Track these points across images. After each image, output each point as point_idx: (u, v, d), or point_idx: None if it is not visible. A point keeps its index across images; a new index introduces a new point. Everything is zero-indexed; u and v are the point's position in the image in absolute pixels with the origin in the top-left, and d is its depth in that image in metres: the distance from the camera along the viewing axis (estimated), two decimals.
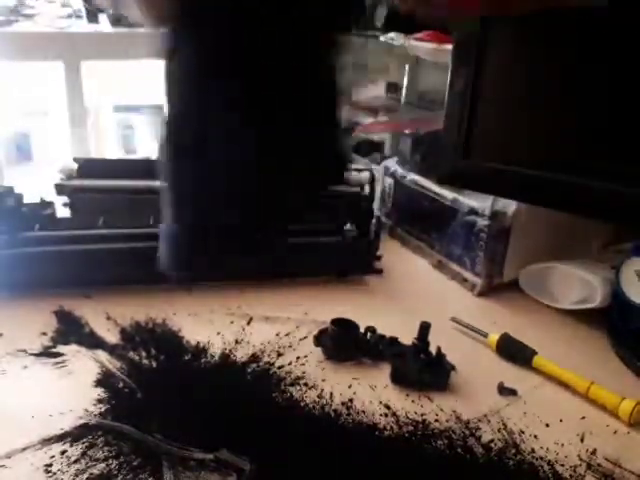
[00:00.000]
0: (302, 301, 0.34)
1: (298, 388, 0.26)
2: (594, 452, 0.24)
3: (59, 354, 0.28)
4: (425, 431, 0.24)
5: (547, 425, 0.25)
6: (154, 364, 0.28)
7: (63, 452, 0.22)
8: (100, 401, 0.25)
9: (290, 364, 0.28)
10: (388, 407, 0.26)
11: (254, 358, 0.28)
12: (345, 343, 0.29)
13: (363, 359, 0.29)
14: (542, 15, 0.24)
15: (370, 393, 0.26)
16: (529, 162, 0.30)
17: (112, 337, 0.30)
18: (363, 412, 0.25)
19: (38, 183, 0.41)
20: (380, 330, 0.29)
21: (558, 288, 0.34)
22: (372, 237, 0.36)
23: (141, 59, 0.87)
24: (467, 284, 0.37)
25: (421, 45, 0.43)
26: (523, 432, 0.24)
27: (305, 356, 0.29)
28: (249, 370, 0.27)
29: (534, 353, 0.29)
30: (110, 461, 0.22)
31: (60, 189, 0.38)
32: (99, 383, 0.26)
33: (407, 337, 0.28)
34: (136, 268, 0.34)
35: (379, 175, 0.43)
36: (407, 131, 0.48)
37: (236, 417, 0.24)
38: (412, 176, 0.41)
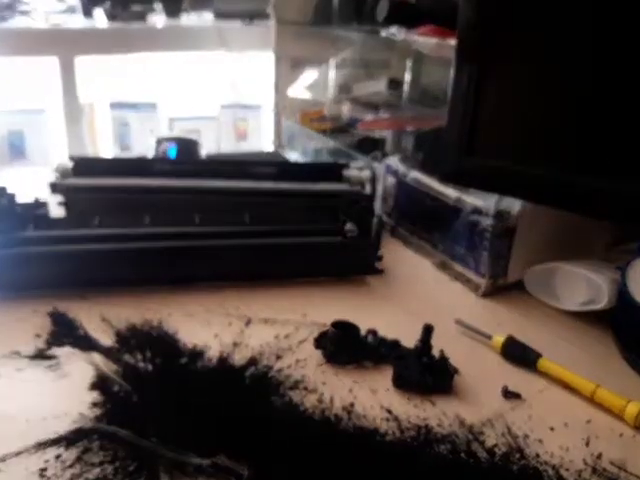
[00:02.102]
0: (302, 302, 0.33)
1: (297, 392, 0.26)
2: (599, 456, 0.23)
3: (53, 356, 0.28)
4: (428, 436, 0.24)
5: (552, 429, 0.25)
6: (150, 367, 0.27)
7: (58, 456, 0.22)
8: (95, 404, 0.24)
9: (289, 367, 0.28)
10: (390, 411, 0.25)
11: (252, 361, 0.28)
12: (346, 346, 0.28)
13: (364, 362, 0.28)
14: (543, 14, 0.23)
15: (371, 397, 0.26)
16: (534, 160, 0.29)
17: (107, 339, 0.29)
18: (364, 417, 0.25)
19: (32, 182, 0.40)
20: (381, 332, 0.29)
21: (563, 289, 0.34)
22: (373, 237, 0.36)
23: (137, 54, 0.86)
24: (471, 285, 0.36)
25: (423, 40, 0.42)
26: (528, 436, 0.24)
27: (305, 359, 0.28)
28: (247, 373, 0.27)
29: (539, 356, 0.28)
30: (105, 466, 0.21)
31: (55, 188, 0.38)
32: (94, 386, 0.26)
33: (409, 339, 0.28)
34: (132, 269, 0.34)
35: (380, 173, 0.43)
36: (409, 128, 0.47)
37: (234, 421, 0.24)
38: (414, 174, 0.40)
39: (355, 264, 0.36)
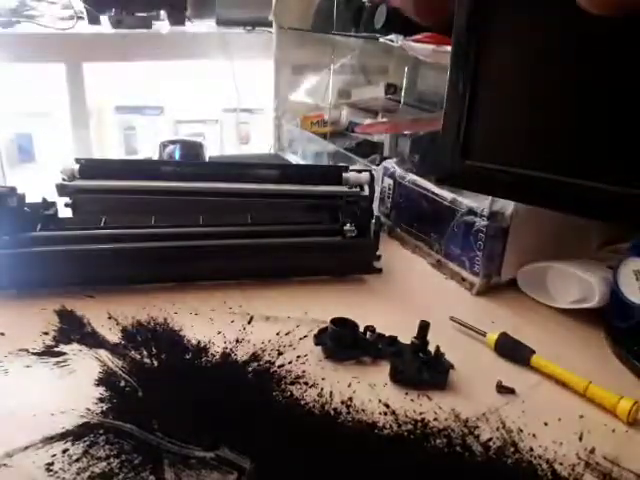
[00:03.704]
0: (302, 300, 0.34)
1: (298, 387, 0.27)
2: (592, 451, 0.24)
3: (61, 353, 0.28)
4: (424, 430, 0.24)
5: (545, 424, 0.25)
6: (155, 363, 0.28)
7: (65, 451, 0.22)
8: (101, 400, 0.25)
9: (290, 363, 0.28)
10: (387, 406, 0.26)
11: (255, 357, 0.29)
12: (345, 342, 0.29)
13: (362, 358, 0.29)
14: (539, 19, 0.23)
15: (369, 392, 0.27)
16: (528, 163, 0.30)
17: (113, 336, 0.30)
18: (363, 411, 0.25)
19: (40, 183, 0.41)
20: (379, 329, 0.29)
21: (556, 287, 0.34)
22: (371, 237, 0.37)
23: (142, 60, 0.87)
24: (466, 283, 0.37)
25: (420, 46, 0.43)
26: (522, 431, 0.25)
27: (305, 355, 0.29)
28: (250, 369, 0.28)
29: (532, 352, 0.29)
30: (111, 459, 0.22)
31: (62, 189, 0.38)
32: (100, 382, 0.26)
33: (406, 336, 0.29)
34: (138, 268, 0.34)
35: (378, 175, 0.44)
36: (406, 132, 0.48)
37: (237, 416, 0.25)
38: (411, 176, 0.41)
39: (354, 263, 0.37)
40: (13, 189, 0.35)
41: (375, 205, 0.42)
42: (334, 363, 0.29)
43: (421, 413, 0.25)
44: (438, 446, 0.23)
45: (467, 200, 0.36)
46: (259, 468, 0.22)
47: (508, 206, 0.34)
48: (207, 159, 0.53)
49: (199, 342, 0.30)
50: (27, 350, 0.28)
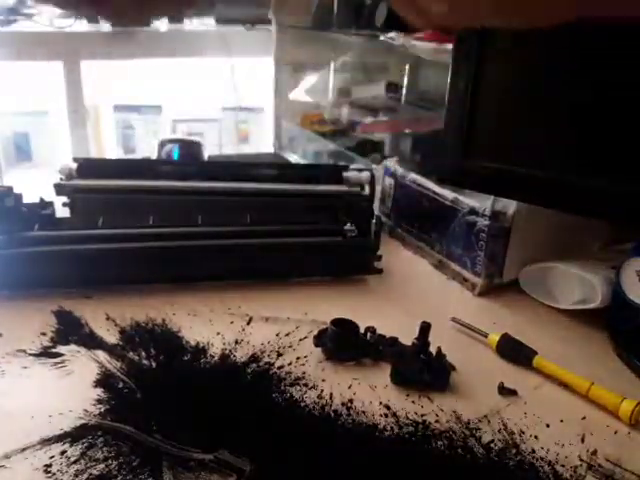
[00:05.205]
0: (302, 301, 0.34)
1: (298, 388, 0.26)
2: (595, 452, 0.24)
3: (59, 354, 0.28)
4: (425, 431, 0.24)
5: (547, 425, 0.25)
6: (153, 364, 0.28)
7: (63, 452, 0.22)
8: (99, 401, 0.25)
9: (290, 364, 0.28)
10: (388, 407, 0.26)
11: (254, 358, 0.28)
12: (345, 343, 0.28)
13: (363, 359, 0.29)
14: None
15: (370, 393, 0.27)
16: (529, 162, 0.30)
17: (111, 337, 0.30)
18: (363, 412, 0.25)
19: (38, 183, 0.41)
20: (380, 330, 0.29)
21: (558, 288, 0.34)
22: (372, 237, 0.36)
23: (140, 59, 0.87)
24: (467, 284, 0.37)
25: (421, 45, 0.43)
26: (523, 432, 0.24)
27: (305, 356, 0.29)
28: (249, 370, 0.27)
29: (534, 353, 0.29)
30: (110, 461, 0.22)
31: (60, 189, 0.38)
32: (98, 383, 0.26)
33: (407, 337, 0.28)
34: (136, 268, 0.34)
35: (379, 175, 0.43)
36: (407, 131, 0.48)
37: (236, 417, 0.24)
38: (412, 176, 0.41)
39: (354, 264, 0.37)
40: (10, 189, 0.34)
41: (376, 205, 0.41)
42: (334, 364, 0.28)
43: (422, 415, 0.25)
44: (439, 448, 0.23)
45: (469, 200, 0.36)
46: (258, 470, 0.22)
47: (510, 206, 0.34)
48: (206, 158, 0.53)
49: (198, 343, 0.29)
50: (25, 351, 0.28)
